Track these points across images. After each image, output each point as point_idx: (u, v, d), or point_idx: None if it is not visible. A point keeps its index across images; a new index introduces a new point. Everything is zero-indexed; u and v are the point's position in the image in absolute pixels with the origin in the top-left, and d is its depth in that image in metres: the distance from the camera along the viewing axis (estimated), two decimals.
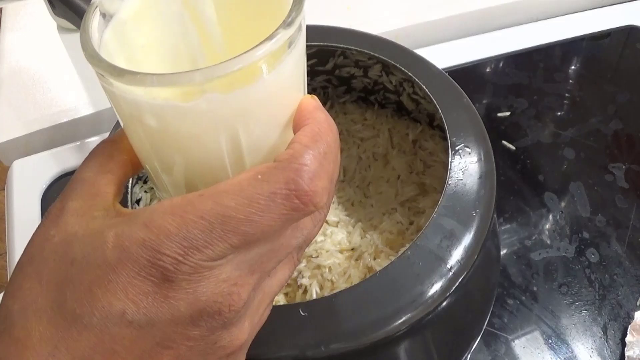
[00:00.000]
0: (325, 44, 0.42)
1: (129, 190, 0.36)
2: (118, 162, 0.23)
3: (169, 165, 0.23)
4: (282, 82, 0.21)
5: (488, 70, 0.59)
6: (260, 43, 0.19)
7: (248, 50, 0.19)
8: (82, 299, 0.19)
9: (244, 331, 0.21)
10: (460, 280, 0.30)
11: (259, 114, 0.21)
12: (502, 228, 0.46)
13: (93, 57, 0.20)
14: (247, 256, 0.20)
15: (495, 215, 0.34)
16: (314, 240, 0.26)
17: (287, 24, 0.20)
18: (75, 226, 0.21)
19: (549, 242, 0.45)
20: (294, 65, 0.22)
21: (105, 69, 0.20)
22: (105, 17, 0.23)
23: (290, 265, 0.24)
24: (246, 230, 0.19)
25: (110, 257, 0.19)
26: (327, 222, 0.42)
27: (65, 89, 0.57)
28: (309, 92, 0.24)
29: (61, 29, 0.63)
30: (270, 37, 0.19)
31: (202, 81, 0.19)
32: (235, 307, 0.20)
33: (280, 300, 0.38)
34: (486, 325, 0.39)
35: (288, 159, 0.20)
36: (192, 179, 0.23)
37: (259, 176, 0.19)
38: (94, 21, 0.22)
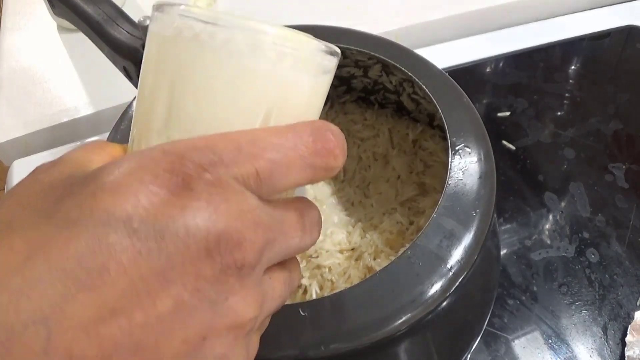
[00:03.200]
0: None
1: None
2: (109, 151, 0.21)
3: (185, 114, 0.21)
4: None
5: (488, 70, 0.59)
6: None
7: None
8: (81, 203, 0.16)
9: (254, 302, 0.18)
10: (460, 280, 0.30)
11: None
12: (502, 228, 0.46)
13: None
14: (267, 208, 0.18)
15: (495, 215, 0.34)
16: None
17: None
18: (71, 171, 0.18)
19: (549, 242, 0.45)
20: None
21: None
22: None
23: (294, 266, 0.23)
24: (273, 157, 0.18)
25: (124, 167, 0.16)
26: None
27: (65, 89, 0.57)
28: None
29: (61, 29, 0.63)
30: None
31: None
32: (256, 246, 0.17)
33: None
34: (486, 325, 0.39)
35: (312, 121, 0.21)
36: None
37: (285, 125, 0.20)
38: None
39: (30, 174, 0.18)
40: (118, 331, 0.15)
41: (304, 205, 0.22)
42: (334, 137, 0.20)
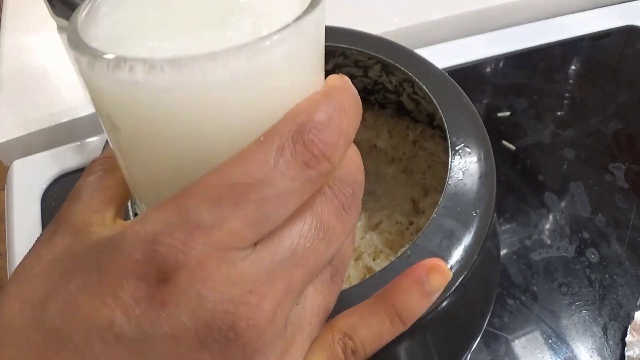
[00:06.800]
0: (325, 43, 0.42)
1: None
2: (118, 178, 0.20)
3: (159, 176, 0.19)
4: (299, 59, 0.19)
5: (488, 70, 0.59)
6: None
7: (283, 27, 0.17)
8: (64, 309, 0.15)
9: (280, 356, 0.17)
10: (460, 280, 0.30)
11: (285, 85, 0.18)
12: (502, 228, 0.46)
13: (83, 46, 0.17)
14: (265, 255, 0.16)
15: (495, 215, 0.34)
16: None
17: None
18: (70, 243, 0.18)
19: (549, 242, 0.45)
20: (312, 44, 0.20)
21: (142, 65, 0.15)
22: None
23: (326, 289, 0.20)
24: (260, 196, 0.15)
25: (102, 259, 0.16)
26: None
27: (65, 89, 0.57)
28: None
29: (61, 29, 0.63)
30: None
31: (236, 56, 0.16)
32: (254, 321, 0.15)
33: None
34: (486, 325, 0.39)
35: (294, 112, 0.17)
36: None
37: (262, 138, 0.16)
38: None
39: (34, 247, 0.19)
40: None
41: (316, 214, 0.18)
42: (321, 132, 0.16)
